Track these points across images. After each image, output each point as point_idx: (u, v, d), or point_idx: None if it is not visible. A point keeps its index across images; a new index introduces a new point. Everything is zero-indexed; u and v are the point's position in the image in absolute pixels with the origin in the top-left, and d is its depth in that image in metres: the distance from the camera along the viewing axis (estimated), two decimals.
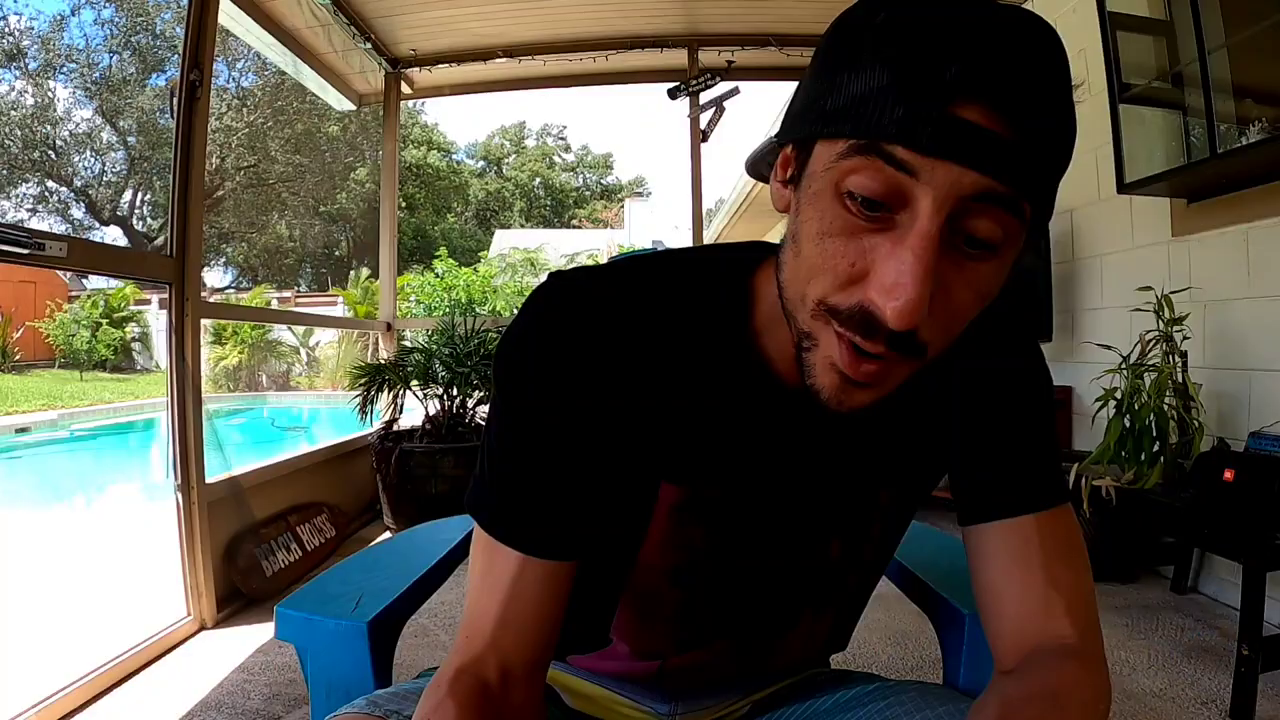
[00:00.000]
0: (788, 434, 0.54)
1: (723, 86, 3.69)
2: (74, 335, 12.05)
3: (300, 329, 11.58)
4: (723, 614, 0.60)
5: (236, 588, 2.20)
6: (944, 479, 0.61)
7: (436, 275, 8.98)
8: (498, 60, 3.66)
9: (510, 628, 0.50)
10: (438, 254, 9.58)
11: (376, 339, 4.37)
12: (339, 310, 11.24)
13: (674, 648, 0.62)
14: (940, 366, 0.49)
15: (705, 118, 3.73)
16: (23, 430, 7.81)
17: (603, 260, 1.14)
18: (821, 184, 0.41)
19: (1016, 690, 0.48)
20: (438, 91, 4.09)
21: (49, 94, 14.80)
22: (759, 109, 6.36)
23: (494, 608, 0.50)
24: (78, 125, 15.65)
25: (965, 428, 0.57)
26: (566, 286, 0.52)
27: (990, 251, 0.40)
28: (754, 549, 0.57)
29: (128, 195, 17.43)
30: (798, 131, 0.43)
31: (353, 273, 16.43)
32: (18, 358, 12.02)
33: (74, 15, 15.61)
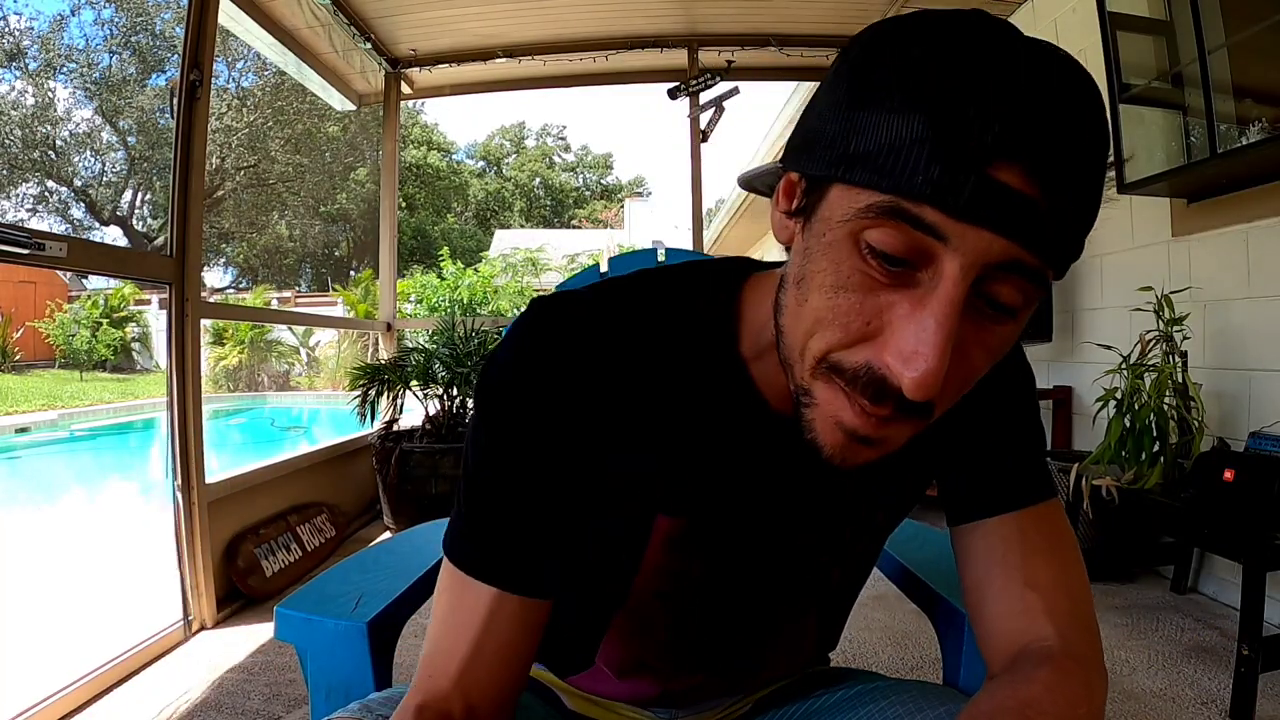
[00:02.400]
0: (782, 463, 0.53)
1: (723, 86, 3.69)
2: (74, 335, 12.05)
3: (300, 329, 11.58)
4: (713, 636, 0.60)
5: (236, 588, 2.20)
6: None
7: (440, 277, 8.98)
8: (498, 60, 3.66)
9: (479, 665, 0.48)
10: (441, 255, 9.58)
11: (376, 339, 4.37)
12: (339, 310, 11.23)
13: (664, 672, 0.61)
14: None
15: (705, 118, 3.73)
16: (23, 430, 7.81)
17: (603, 261, 1.13)
18: (839, 234, 0.38)
19: (988, 703, 0.47)
20: (438, 91, 4.09)
21: (49, 94, 14.80)
22: (759, 109, 6.37)
23: (462, 645, 0.48)
24: (78, 125, 15.65)
25: (951, 428, 0.55)
26: (549, 316, 0.50)
27: (1010, 316, 0.39)
28: (749, 575, 0.57)
29: (128, 195, 17.44)
30: (812, 166, 0.40)
31: (353, 273, 16.44)
32: (18, 358, 12.02)
33: (74, 15, 15.63)
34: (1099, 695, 0.48)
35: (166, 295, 2.03)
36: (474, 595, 0.49)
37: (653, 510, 0.52)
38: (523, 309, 0.52)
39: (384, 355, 3.83)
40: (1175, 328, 2.01)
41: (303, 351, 11.98)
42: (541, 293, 0.75)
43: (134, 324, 13.04)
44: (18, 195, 15.37)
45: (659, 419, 0.50)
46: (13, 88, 14.36)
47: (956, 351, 0.37)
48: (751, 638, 0.61)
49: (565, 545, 0.50)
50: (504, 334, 0.52)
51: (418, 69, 3.77)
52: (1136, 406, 1.98)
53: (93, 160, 16.28)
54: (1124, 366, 2.07)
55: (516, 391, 0.49)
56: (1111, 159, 2.26)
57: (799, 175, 0.42)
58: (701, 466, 0.52)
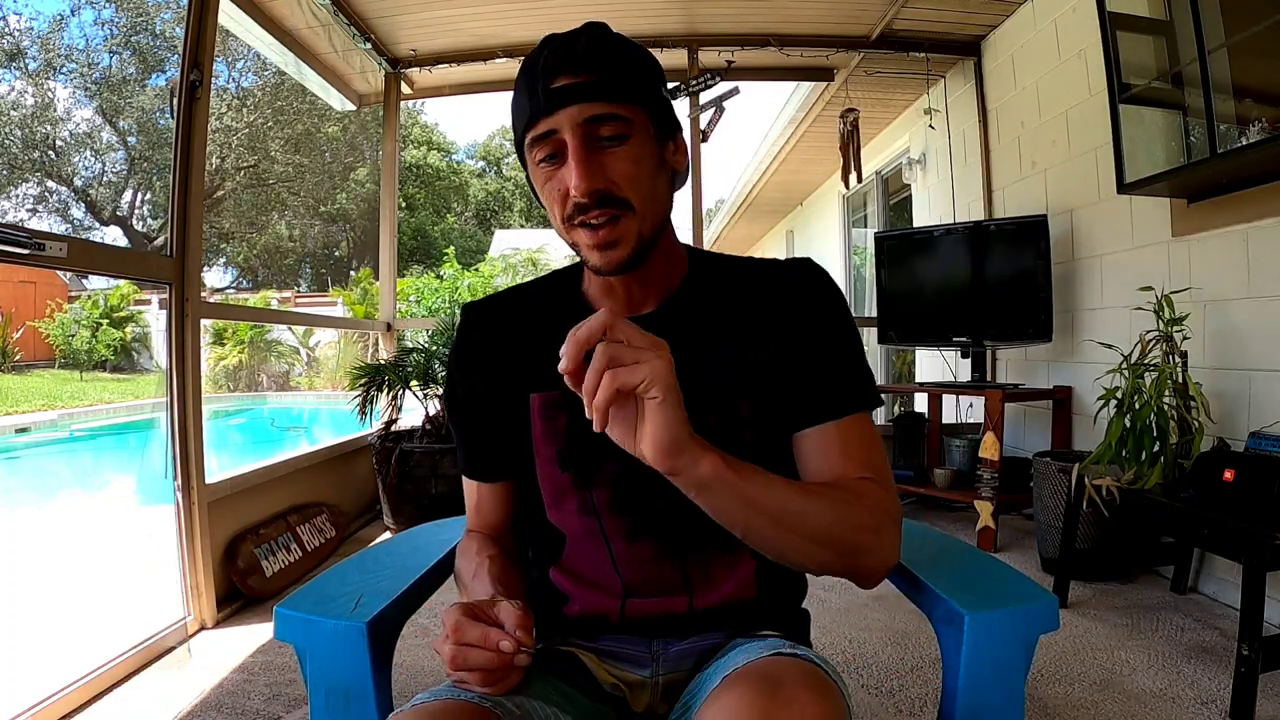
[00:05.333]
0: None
1: (723, 86, 3.69)
2: (74, 335, 12.05)
3: (300, 329, 11.57)
4: (626, 490, 0.74)
5: (236, 588, 2.20)
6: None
7: (440, 278, 8.98)
8: (498, 60, 3.66)
9: (483, 514, 0.84)
10: (446, 255, 9.58)
11: (376, 339, 4.37)
12: (339, 310, 11.23)
13: (615, 545, 0.75)
14: (724, 287, 0.77)
15: (705, 118, 3.73)
16: (23, 430, 7.81)
17: None
18: (531, 168, 0.71)
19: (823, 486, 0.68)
20: (438, 91, 4.09)
21: (49, 94, 14.79)
22: (759, 109, 6.37)
23: (472, 505, 0.84)
24: (78, 125, 15.64)
25: (778, 345, 0.74)
26: (465, 309, 0.85)
27: (621, 139, 0.67)
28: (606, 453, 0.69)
29: (128, 195, 17.42)
30: (520, 155, 0.73)
31: (353, 273, 16.42)
32: (18, 358, 12.01)
33: (74, 15, 15.62)
34: (891, 501, 0.69)
35: (166, 295, 2.03)
36: (470, 483, 0.84)
37: (527, 390, 0.77)
38: None
39: (384, 355, 3.83)
40: (1175, 328, 2.01)
41: (303, 351, 11.98)
42: None
43: (134, 324, 13.03)
44: (18, 195, 15.38)
45: (528, 337, 0.78)
46: (12, 88, 14.37)
47: (602, 166, 0.66)
48: (662, 496, 0.66)
49: (496, 441, 0.80)
50: None
51: (418, 69, 3.77)
52: (1137, 406, 1.98)
53: (93, 160, 16.28)
54: (1124, 366, 2.07)
55: (451, 362, 0.84)
56: (1114, 158, 2.26)
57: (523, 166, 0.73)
58: (551, 353, 0.66)
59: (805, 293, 0.76)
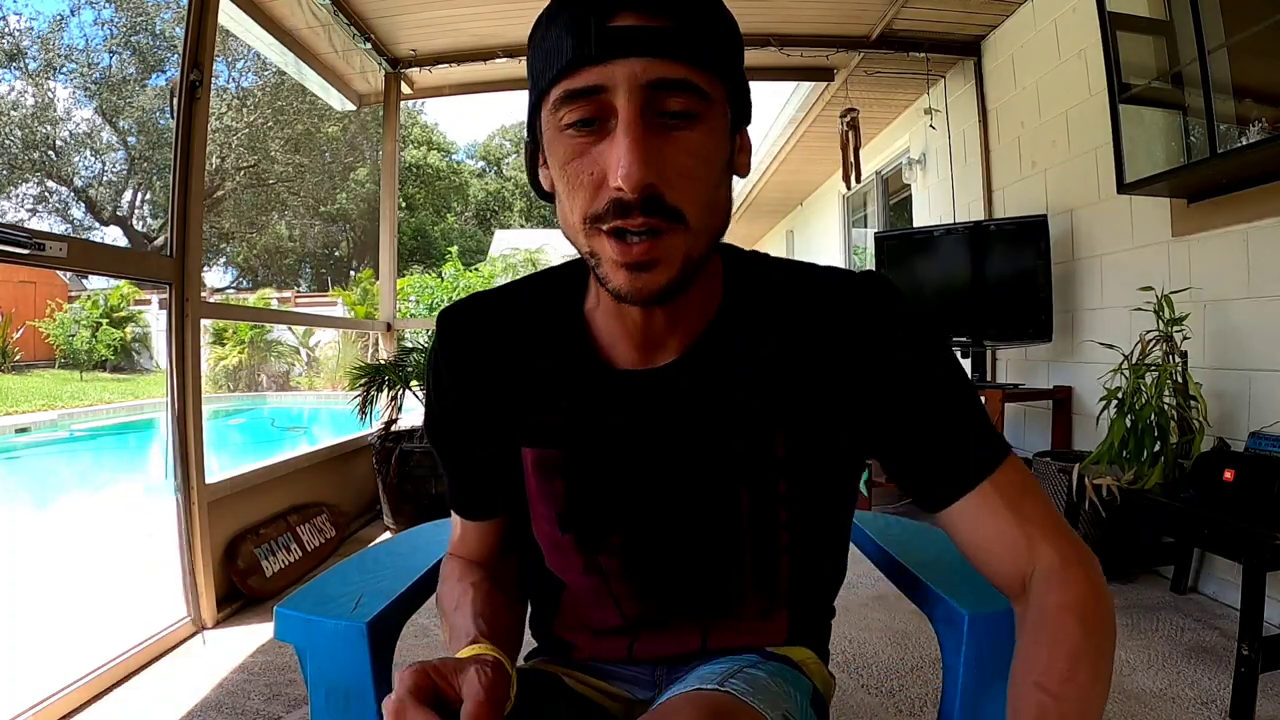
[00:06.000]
0: (607, 397, 0.61)
1: None
2: (74, 335, 12.05)
3: (300, 329, 11.57)
4: (633, 555, 0.64)
5: (236, 588, 2.20)
6: (867, 470, 0.63)
7: (441, 278, 8.99)
8: (498, 60, 3.66)
9: (468, 545, 0.73)
10: (448, 254, 9.59)
11: (376, 339, 4.37)
12: (339, 310, 11.23)
13: (624, 605, 0.66)
14: (773, 319, 0.60)
15: None
16: (23, 430, 7.81)
17: None
18: (549, 133, 0.51)
19: (1023, 675, 0.52)
20: (438, 91, 4.09)
21: (49, 94, 14.79)
22: (759, 109, 6.37)
23: (458, 535, 0.73)
24: (78, 125, 15.65)
25: (880, 411, 0.59)
26: (441, 321, 0.66)
27: (690, 119, 0.49)
28: (613, 491, 0.62)
29: (128, 195, 17.43)
30: (530, 120, 0.54)
31: (353, 273, 16.42)
32: (18, 358, 12.01)
33: (74, 15, 15.64)
34: (1104, 595, 0.53)
35: (166, 295, 2.03)
36: (455, 514, 0.72)
37: (518, 444, 0.64)
38: None
39: (384, 355, 3.82)
40: (1175, 328, 2.01)
41: (303, 351, 11.97)
42: None
43: (134, 324, 13.03)
44: (18, 195, 15.37)
45: (521, 379, 0.63)
46: (12, 88, 14.36)
47: (660, 154, 0.48)
48: (681, 562, 0.63)
49: (482, 483, 0.68)
50: None
51: (418, 69, 3.76)
52: (1138, 406, 1.98)
53: (93, 160, 16.29)
54: (1125, 366, 2.07)
55: (429, 390, 0.67)
56: (1114, 157, 2.26)
57: (533, 141, 0.55)
58: (543, 405, 0.62)
59: (886, 332, 0.59)
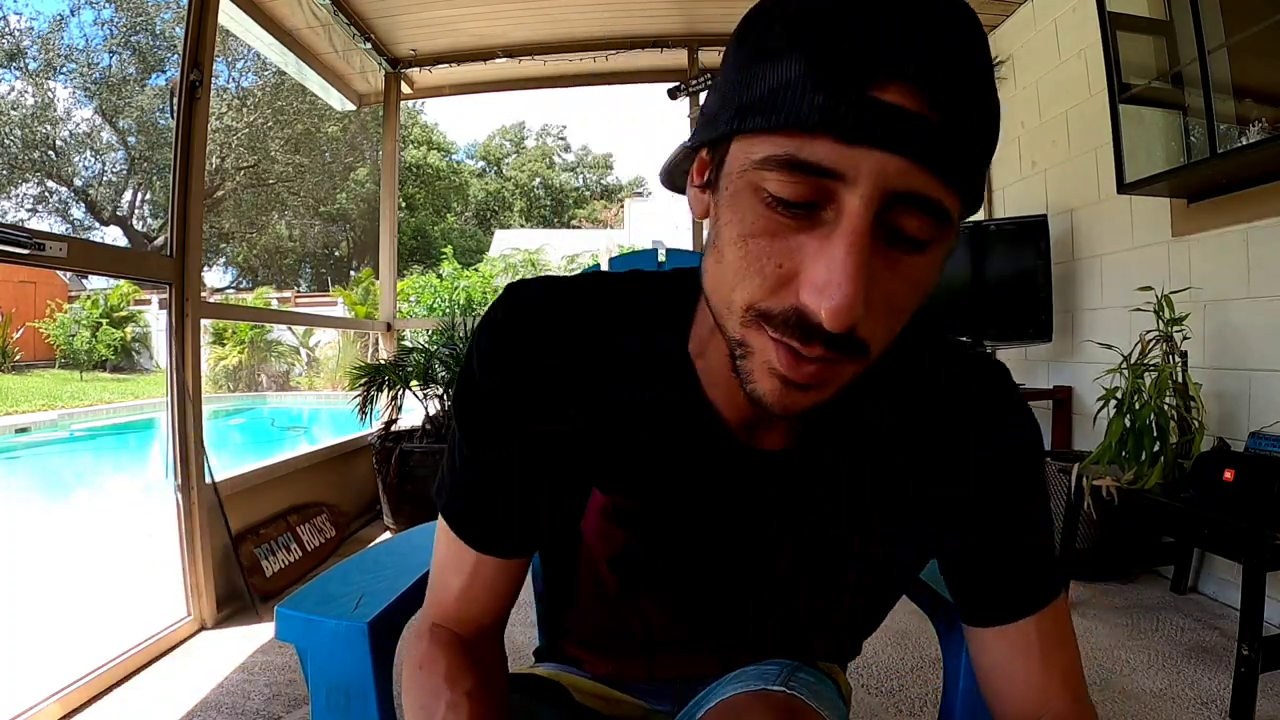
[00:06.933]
0: (700, 460, 0.54)
1: None
2: (74, 335, 12.05)
3: (300, 329, 11.57)
4: (665, 610, 0.61)
5: (236, 588, 2.20)
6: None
7: (440, 277, 8.99)
8: (498, 60, 3.66)
9: (472, 599, 0.58)
10: (444, 254, 9.59)
11: (376, 339, 4.37)
12: (339, 310, 11.23)
13: (645, 644, 0.64)
14: (891, 403, 0.54)
15: None
16: (23, 430, 7.81)
17: (602, 260, 1.14)
18: (739, 184, 0.40)
19: None
20: (438, 91, 4.09)
21: (49, 94, 14.79)
22: None
23: (459, 585, 0.58)
24: (78, 125, 15.65)
25: (959, 516, 0.56)
26: (517, 300, 0.54)
27: (921, 246, 0.39)
28: (686, 557, 0.57)
29: (128, 195, 17.43)
30: (713, 132, 0.42)
31: (353, 273, 16.43)
32: (18, 358, 12.01)
33: (74, 15, 15.61)
34: None
35: (166, 295, 2.03)
36: (463, 550, 0.57)
37: (589, 484, 0.56)
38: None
39: (384, 355, 3.83)
40: (1175, 328, 2.01)
41: (303, 351, 11.97)
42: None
43: (134, 324, 13.03)
44: (18, 195, 15.38)
45: (601, 402, 0.54)
46: (12, 88, 14.37)
47: (873, 283, 0.38)
48: (704, 619, 0.62)
49: (528, 514, 0.56)
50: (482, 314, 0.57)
51: (418, 69, 3.77)
52: (1137, 406, 1.98)
53: (93, 160, 16.29)
54: (1124, 366, 2.07)
55: (484, 371, 0.54)
56: (1114, 157, 2.25)
57: (707, 150, 0.44)
58: (628, 451, 0.55)
59: (992, 435, 0.55)
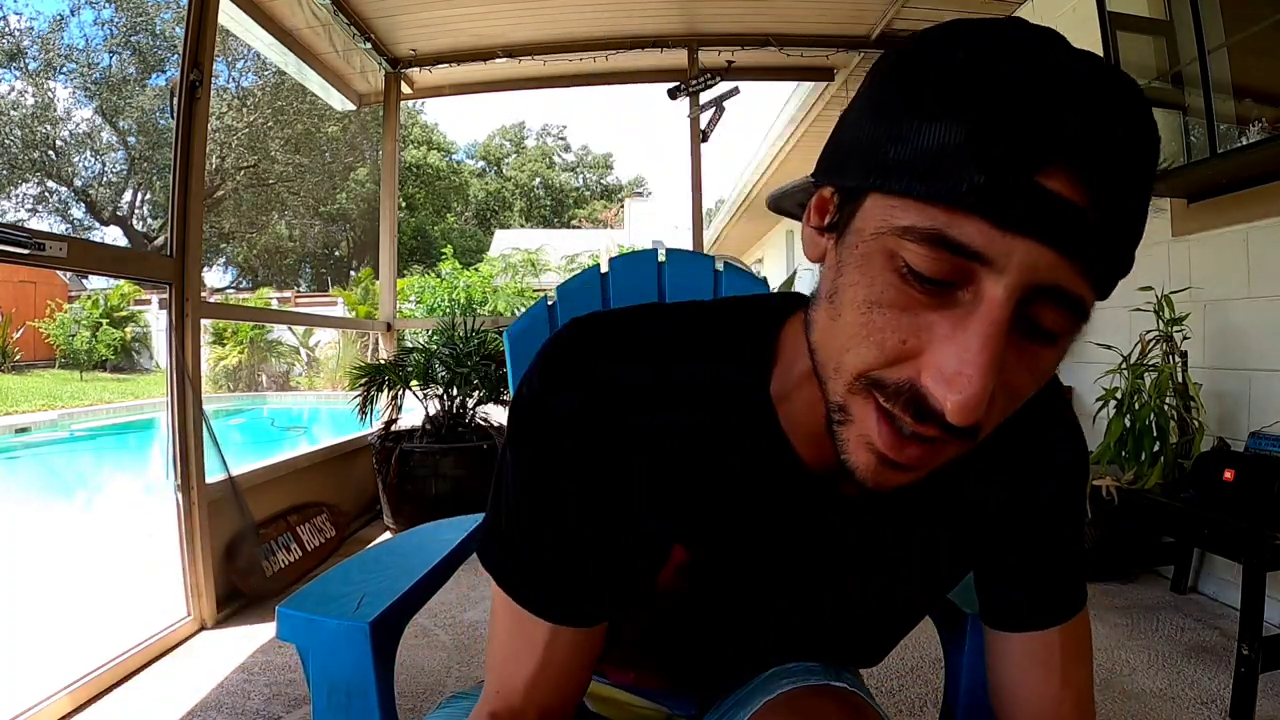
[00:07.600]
0: (789, 505, 0.52)
1: (723, 86, 3.69)
2: (74, 335, 12.04)
3: (300, 329, 11.57)
4: (699, 659, 0.62)
5: (236, 588, 2.20)
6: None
7: (439, 277, 8.98)
8: (498, 60, 3.66)
9: (543, 683, 0.51)
10: (444, 254, 9.59)
11: (376, 339, 4.37)
12: (339, 310, 11.23)
13: (679, 657, 0.64)
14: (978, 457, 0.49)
15: (705, 118, 3.72)
16: (23, 430, 7.81)
17: (602, 260, 1.12)
18: (872, 247, 0.37)
19: None
20: (438, 91, 4.09)
21: (49, 94, 14.79)
22: (759, 109, 6.38)
23: (528, 667, 0.51)
24: (78, 125, 15.66)
25: (998, 521, 0.55)
26: (585, 343, 0.50)
27: (1054, 339, 0.37)
28: (751, 592, 0.57)
29: (128, 195, 17.43)
30: (847, 176, 0.39)
31: (353, 273, 16.43)
32: (18, 358, 12.01)
33: (74, 15, 15.61)
34: None
35: (166, 295, 2.03)
36: (533, 625, 0.50)
37: (670, 540, 0.52)
38: (526, 308, 0.53)
39: (384, 355, 3.83)
40: (1175, 328, 2.01)
41: (303, 351, 11.97)
42: (558, 304, 0.78)
43: (134, 324, 13.03)
44: (18, 195, 15.38)
45: (682, 457, 0.50)
46: (12, 88, 14.37)
47: (1002, 373, 0.36)
48: (758, 641, 0.62)
49: (607, 577, 0.51)
50: (539, 352, 0.51)
51: (418, 69, 3.77)
52: (1137, 406, 1.98)
53: (93, 160, 16.29)
54: (1124, 366, 2.07)
55: (551, 419, 0.48)
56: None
57: (832, 190, 0.41)
58: (719, 504, 0.51)
59: (1057, 480, 0.56)
